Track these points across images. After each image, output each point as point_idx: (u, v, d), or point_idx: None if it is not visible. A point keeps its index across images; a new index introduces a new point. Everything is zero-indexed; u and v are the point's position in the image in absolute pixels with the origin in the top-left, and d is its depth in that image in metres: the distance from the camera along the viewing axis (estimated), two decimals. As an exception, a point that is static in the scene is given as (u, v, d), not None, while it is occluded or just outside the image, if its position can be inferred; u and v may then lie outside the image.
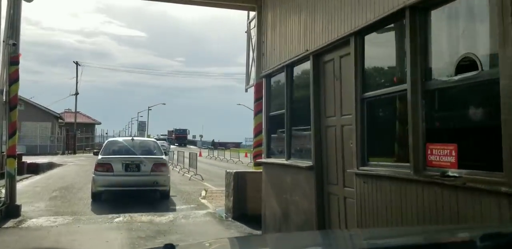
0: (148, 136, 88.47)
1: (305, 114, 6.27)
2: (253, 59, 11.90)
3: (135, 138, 16.00)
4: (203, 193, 14.28)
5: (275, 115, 7.57)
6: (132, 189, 12.37)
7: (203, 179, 19.42)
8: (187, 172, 22.23)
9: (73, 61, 55.41)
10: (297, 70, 6.76)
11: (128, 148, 13.38)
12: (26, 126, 48.34)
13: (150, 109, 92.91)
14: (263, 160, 7.93)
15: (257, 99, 11.23)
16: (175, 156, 28.12)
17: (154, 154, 13.25)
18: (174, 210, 11.17)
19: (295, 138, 6.80)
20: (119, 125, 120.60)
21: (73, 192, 14.68)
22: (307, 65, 6.23)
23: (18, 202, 9.93)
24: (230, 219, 9.46)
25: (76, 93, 54.95)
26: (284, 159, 6.93)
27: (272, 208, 7.37)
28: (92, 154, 43.09)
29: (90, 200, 12.57)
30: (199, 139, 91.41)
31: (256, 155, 11.29)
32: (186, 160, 23.86)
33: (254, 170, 10.13)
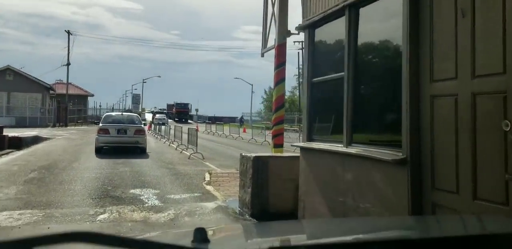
0: (143, 110, 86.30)
1: (386, 77, 4.05)
2: (272, 14, 9.57)
3: (124, 113, 22.65)
4: (207, 176, 12.14)
5: (323, 81, 5.32)
6: (121, 145, 18.10)
7: (204, 158, 17.27)
8: (185, 150, 20.07)
9: (65, 30, 52.79)
10: (368, 11, 4.47)
11: (119, 119, 19.34)
12: (16, 97, 46.03)
13: (145, 82, 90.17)
14: (301, 144, 5.72)
15: (279, 64, 8.98)
16: (172, 131, 25.88)
17: (136, 124, 19.18)
18: (174, 200, 9.02)
19: (362, 114, 4.59)
20: (113, 98, 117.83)
21: (54, 173, 12.52)
22: (391, 0, 3.95)
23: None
24: (247, 216, 7.36)
25: (68, 64, 52.42)
26: (341, 145, 4.73)
27: (315, 211, 5.23)
28: (83, 127, 42.23)
29: (71, 185, 10.45)
30: (195, 113, 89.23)
31: (277, 135, 9.14)
32: (184, 136, 21.64)
33: (278, 154, 7.97)
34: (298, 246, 1.34)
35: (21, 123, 42.08)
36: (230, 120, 67.50)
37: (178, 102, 76.40)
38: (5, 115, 44.12)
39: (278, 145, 8.80)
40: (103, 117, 20.82)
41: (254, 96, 76.97)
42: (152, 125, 40.15)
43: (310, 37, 5.54)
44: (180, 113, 71.90)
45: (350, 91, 4.58)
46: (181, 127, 24.68)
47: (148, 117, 77.42)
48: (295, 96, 73.38)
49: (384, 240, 1.37)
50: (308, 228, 1.85)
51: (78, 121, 54.67)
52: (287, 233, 1.66)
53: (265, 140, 27.32)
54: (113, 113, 23.70)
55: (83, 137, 29.54)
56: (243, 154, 7.98)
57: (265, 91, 78.73)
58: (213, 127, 41.67)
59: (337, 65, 4.88)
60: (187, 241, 1.06)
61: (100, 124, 18.95)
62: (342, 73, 4.71)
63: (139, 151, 18.26)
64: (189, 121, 71.17)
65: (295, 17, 9.25)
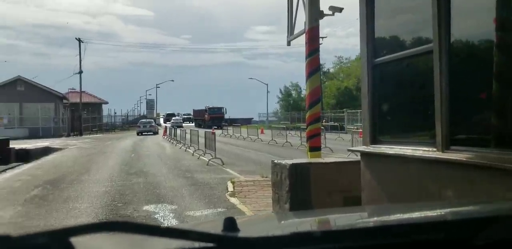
0: (157, 115, 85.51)
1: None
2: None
3: (146, 119, 57.06)
4: (230, 186, 10.74)
5: (393, 61, 3.86)
6: (146, 131, 45.66)
7: (223, 164, 15.90)
8: (203, 155, 18.71)
9: (75, 38, 52.07)
10: None
11: (145, 121, 51.67)
12: (28, 108, 45.31)
13: (159, 87, 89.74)
14: (362, 148, 4.27)
15: (312, 51, 7.56)
16: (188, 136, 24.51)
17: (151, 123, 50.05)
18: (195, 219, 7.65)
19: (467, 104, 3.14)
20: (128, 105, 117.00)
21: (60, 188, 11.26)
22: None
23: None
24: (286, 239, 5.91)
25: (80, 72, 51.78)
26: (432, 149, 3.27)
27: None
28: (98, 135, 44.55)
29: (77, 203, 9.15)
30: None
31: (313, 136, 7.68)
32: (201, 140, 20.28)
33: (319, 160, 6.54)
34: (324, 232, 1.26)
35: (34, 134, 41.35)
36: (245, 121, 65.83)
37: (211, 106, 65.21)
38: (17, 126, 43.43)
39: (315, 148, 7.36)
40: (139, 121, 51.53)
41: (269, 96, 74.26)
42: (167, 130, 38.89)
43: (369, 4, 4.07)
44: (214, 119, 61.08)
45: (444, 71, 3.12)
46: (197, 131, 23.35)
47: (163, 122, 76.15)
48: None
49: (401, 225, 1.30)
50: (348, 215, 1.81)
51: (93, 130, 53.94)
52: (318, 220, 1.66)
53: (286, 141, 25.86)
54: (143, 120, 54.89)
55: (97, 145, 28.46)
56: (276, 161, 6.56)
57: (280, 90, 77.38)
58: (230, 129, 40.35)
59: (415, 36, 3.44)
60: (218, 230, 1.08)
61: (138, 124, 48.87)
62: (428, 45, 3.25)
63: (152, 133, 43.95)
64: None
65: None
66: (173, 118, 72.43)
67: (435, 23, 3.16)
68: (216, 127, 48.56)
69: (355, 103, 56.31)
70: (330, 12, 7.42)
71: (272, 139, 28.39)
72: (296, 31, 8.52)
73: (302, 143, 23.43)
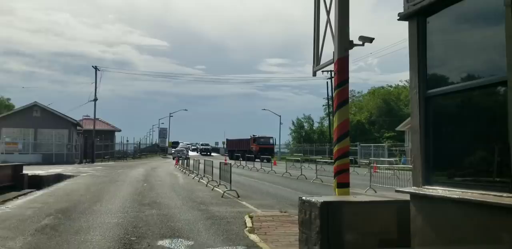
0: (169, 143, 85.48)
1: None
2: (327, 23, 7.92)
3: (180, 147, 71.86)
4: (248, 221, 10.22)
5: (451, 93, 3.50)
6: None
7: (239, 196, 15.37)
8: (217, 186, 18.22)
9: (92, 66, 52.90)
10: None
11: (179, 149, 65.21)
12: (42, 134, 45.61)
13: (172, 116, 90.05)
14: (413, 189, 3.84)
15: (341, 82, 7.26)
16: (202, 166, 24.07)
17: (183, 151, 61.57)
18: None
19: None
20: (141, 133, 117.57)
21: (72, 218, 10.83)
22: None
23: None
24: (316, 285, 5.41)
25: (95, 99, 52.16)
26: (502, 194, 2.86)
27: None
28: (110, 163, 44.05)
29: (88, 235, 8.69)
30: (222, 146, 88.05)
31: (341, 171, 7.26)
32: (215, 171, 19.82)
33: (351, 199, 6.11)
34: None
35: (47, 160, 41.40)
36: (258, 153, 65.04)
37: (258, 135, 56.19)
38: (31, 152, 43.49)
39: (344, 184, 6.93)
40: (175, 149, 66.10)
41: (281, 128, 73.88)
42: (179, 159, 38.56)
43: (420, 29, 3.75)
44: (264, 150, 51.68)
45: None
46: (212, 161, 22.93)
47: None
48: (324, 127, 71.66)
49: None
50: None
51: (105, 157, 53.78)
52: None
53: (301, 174, 25.30)
54: (178, 148, 66.46)
55: (109, 173, 28.14)
56: (304, 198, 6.12)
57: (293, 122, 77.28)
58: (242, 160, 39.88)
59: (480, 66, 3.09)
60: None
61: (174, 151, 64.27)
62: (501, 76, 2.90)
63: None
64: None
65: (353, 25, 7.58)
66: (180, 145, 79.69)
67: (510, 51, 2.81)
68: (259, 160, 40.00)
69: (367, 137, 56.20)
70: (360, 42, 7.16)
71: (286, 171, 27.85)
72: (322, 62, 8.27)
73: (318, 176, 23.00)
